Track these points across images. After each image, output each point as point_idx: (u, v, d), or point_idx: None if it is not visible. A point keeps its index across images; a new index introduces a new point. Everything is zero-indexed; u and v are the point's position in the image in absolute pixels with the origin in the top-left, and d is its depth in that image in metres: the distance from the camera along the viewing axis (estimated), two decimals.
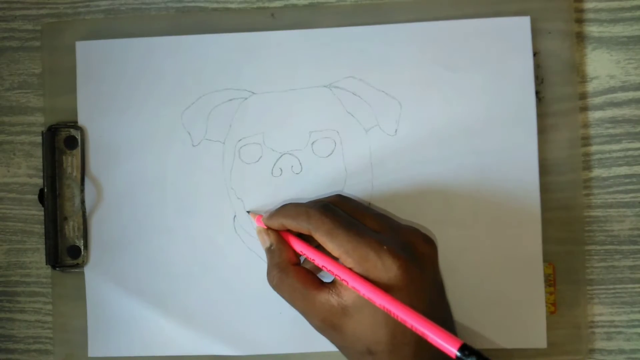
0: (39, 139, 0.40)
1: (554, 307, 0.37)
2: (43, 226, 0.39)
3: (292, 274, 0.33)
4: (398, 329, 0.31)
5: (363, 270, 0.31)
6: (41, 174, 0.39)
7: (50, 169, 0.39)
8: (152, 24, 0.39)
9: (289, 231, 0.35)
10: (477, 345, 0.37)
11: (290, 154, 0.38)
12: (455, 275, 0.37)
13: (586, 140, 0.38)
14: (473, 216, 0.37)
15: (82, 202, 0.39)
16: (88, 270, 0.38)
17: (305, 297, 0.32)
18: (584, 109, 0.38)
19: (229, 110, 0.38)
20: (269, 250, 0.35)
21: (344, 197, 0.36)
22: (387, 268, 0.31)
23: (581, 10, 0.38)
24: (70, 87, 0.39)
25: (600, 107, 0.38)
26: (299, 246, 0.34)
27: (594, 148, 0.38)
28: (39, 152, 0.40)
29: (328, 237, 0.32)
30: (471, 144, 0.37)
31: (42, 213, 0.39)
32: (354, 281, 0.31)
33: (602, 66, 0.38)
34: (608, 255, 0.38)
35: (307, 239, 0.34)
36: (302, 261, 0.35)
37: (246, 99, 0.38)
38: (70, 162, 0.39)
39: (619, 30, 0.38)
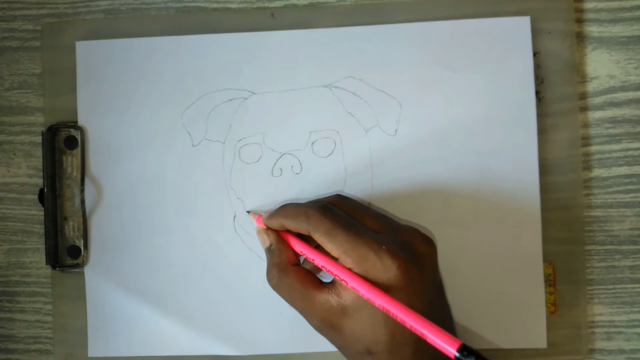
0: (39, 139, 0.40)
1: (554, 307, 0.37)
2: (43, 226, 0.39)
3: (292, 274, 0.33)
4: (397, 329, 0.31)
5: (362, 270, 0.31)
6: (41, 174, 0.39)
7: (50, 169, 0.39)
8: (152, 24, 0.39)
9: (289, 231, 0.35)
10: (477, 345, 0.37)
11: (290, 154, 0.38)
12: (455, 275, 0.37)
13: (586, 140, 0.38)
14: (473, 216, 0.37)
15: (82, 202, 0.39)
16: (88, 270, 0.38)
17: (305, 297, 0.32)
18: (584, 109, 0.38)
19: (229, 110, 0.38)
20: (268, 250, 0.35)
21: (343, 197, 0.36)
22: (387, 268, 0.31)
23: (581, 10, 0.38)
24: (70, 87, 0.39)
25: (600, 107, 0.38)
26: (298, 246, 0.34)
27: (594, 148, 0.38)
28: (39, 152, 0.40)
29: (327, 237, 0.32)
30: (471, 144, 0.37)
31: (42, 213, 0.39)
32: (353, 281, 0.31)
33: (602, 66, 0.38)
34: (608, 255, 0.38)
35: (306, 239, 0.34)
36: (301, 261, 0.35)
37: (246, 99, 0.38)
38: (70, 162, 0.39)
39: (619, 30, 0.38)
